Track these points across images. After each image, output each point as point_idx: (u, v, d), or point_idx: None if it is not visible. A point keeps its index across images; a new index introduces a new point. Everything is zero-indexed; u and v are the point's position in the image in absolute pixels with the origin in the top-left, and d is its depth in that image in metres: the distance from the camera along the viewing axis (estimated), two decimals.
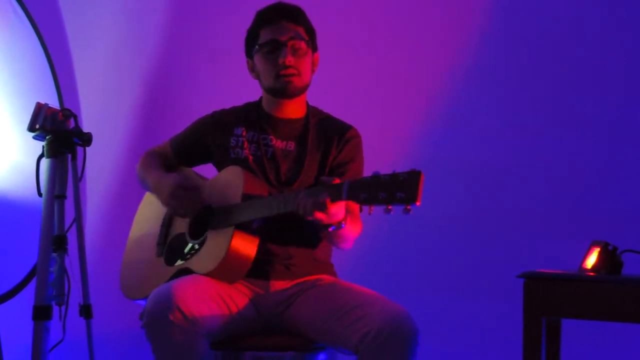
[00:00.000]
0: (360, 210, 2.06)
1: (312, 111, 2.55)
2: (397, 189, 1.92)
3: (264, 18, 2.47)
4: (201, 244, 2.37)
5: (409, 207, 1.90)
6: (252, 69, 2.53)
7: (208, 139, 2.55)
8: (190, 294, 2.17)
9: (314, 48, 2.51)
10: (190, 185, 2.45)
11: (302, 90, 2.48)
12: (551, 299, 2.11)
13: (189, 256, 2.39)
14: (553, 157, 3.76)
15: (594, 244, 2.25)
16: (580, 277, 2.14)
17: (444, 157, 3.90)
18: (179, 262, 2.40)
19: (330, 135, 2.49)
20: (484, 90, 3.90)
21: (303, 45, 2.44)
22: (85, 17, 4.28)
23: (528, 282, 2.12)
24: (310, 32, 2.50)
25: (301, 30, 2.46)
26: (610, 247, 2.21)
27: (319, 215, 2.08)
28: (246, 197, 2.31)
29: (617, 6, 3.73)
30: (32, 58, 3.73)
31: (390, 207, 1.93)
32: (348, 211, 2.19)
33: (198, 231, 2.43)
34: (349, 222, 2.22)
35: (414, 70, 4.00)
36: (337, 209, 2.10)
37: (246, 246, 2.30)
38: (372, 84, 4.05)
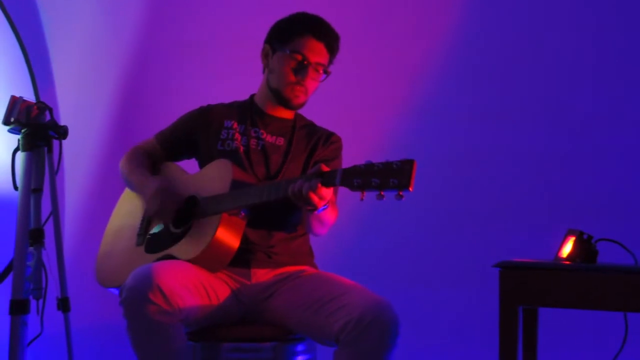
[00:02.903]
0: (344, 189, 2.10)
1: (298, 116, 2.61)
2: (391, 176, 1.97)
3: (307, 27, 2.49)
4: (185, 232, 2.37)
5: (401, 193, 1.96)
6: (267, 56, 2.55)
7: (197, 132, 2.57)
8: (171, 276, 2.17)
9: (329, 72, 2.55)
10: (172, 190, 2.46)
11: (303, 106, 2.54)
12: (527, 288, 2.12)
13: (171, 243, 2.38)
14: (528, 147, 3.78)
15: (570, 233, 2.27)
16: (556, 266, 2.16)
17: (419, 148, 3.91)
18: (161, 250, 2.39)
19: (316, 138, 2.56)
20: (459, 82, 3.91)
21: (322, 74, 2.51)
22: (62, 8, 4.25)
23: (503, 272, 2.13)
24: (333, 59, 2.55)
25: (329, 58, 2.52)
26: (585, 236, 2.23)
27: (313, 197, 2.12)
28: (235, 185, 2.33)
29: (592, 4, 3.76)
30: (6, 50, 3.70)
31: (382, 192, 1.98)
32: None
33: (182, 221, 2.42)
34: (329, 205, 2.26)
35: (389, 61, 4.01)
36: (327, 193, 2.14)
37: (231, 235, 2.31)
38: (348, 75, 4.04)
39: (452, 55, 3.91)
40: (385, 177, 1.98)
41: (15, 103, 2.76)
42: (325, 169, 2.14)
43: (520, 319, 2.16)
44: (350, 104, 3.95)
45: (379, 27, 4.01)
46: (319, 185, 2.11)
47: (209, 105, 2.63)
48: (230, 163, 2.40)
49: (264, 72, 2.58)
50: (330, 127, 2.66)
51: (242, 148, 2.49)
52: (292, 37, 2.48)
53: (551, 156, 3.73)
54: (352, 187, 2.03)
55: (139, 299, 2.12)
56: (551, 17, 3.79)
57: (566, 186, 3.69)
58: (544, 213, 3.68)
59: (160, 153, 2.64)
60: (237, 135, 2.52)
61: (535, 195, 3.73)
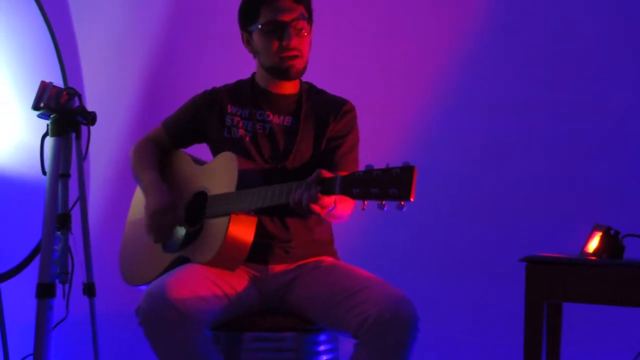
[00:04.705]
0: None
1: (305, 86, 2.51)
2: (390, 185, 1.88)
3: None
4: (198, 232, 2.35)
5: (402, 204, 1.87)
6: (248, 43, 2.46)
7: (202, 118, 2.51)
8: (184, 289, 2.15)
9: (312, 21, 2.44)
10: (166, 214, 2.41)
11: (304, 71, 2.43)
12: (553, 283, 2.12)
13: (186, 244, 2.37)
14: (555, 140, 3.77)
15: (596, 228, 2.26)
16: (582, 261, 2.15)
17: (444, 139, 3.92)
18: (177, 250, 2.39)
19: (326, 110, 2.45)
20: (485, 72, 3.90)
21: (305, 25, 2.39)
22: None
23: (530, 266, 2.13)
24: (310, 10, 2.43)
25: (302, 9, 2.39)
26: (612, 232, 2.22)
27: (314, 207, 2.05)
28: (241, 182, 2.29)
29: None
30: (36, 37, 3.73)
31: (383, 202, 1.89)
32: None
33: (194, 218, 2.40)
34: (339, 202, 2.16)
35: (415, 51, 4.00)
36: (330, 201, 2.06)
37: (242, 234, 2.27)
38: (373, 64, 4.04)
39: (478, 46, 3.89)
40: (385, 186, 1.88)
41: (45, 89, 2.78)
42: (326, 175, 2.04)
43: (544, 313, 2.16)
44: (374, 94, 3.94)
45: (404, 19, 4.01)
46: (319, 195, 2.02)
47: (212, 90, 2.55)
48: (235, 158, 2.33)
49: (254, 57, 2.49)
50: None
51: (248, 136, 2.43)
52: (257, 11, 2.38)
53: (578, 149, 3.71)
54: (352, 196, 1.95)
55: (156, 321, 2.11)
56: (583, 5, 3.76)
57: (593, 180, 3.67)
58: (570, 206, 3.66)
59: (168, 141, 2.60)
60: (241, 123, 2.45)
61: (562, 189, 3.72)
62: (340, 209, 2.20)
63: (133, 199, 2.69)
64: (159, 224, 2.41)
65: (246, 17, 2.44)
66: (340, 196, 2.11)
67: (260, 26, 2.37)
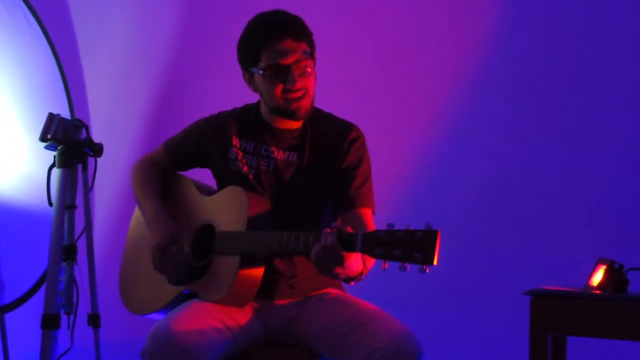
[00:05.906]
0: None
1: (311, 115, 2.40)
2: (414, 249, 1.87)
3: (264, 37, 2.27)
4: (206, 268, 2.32)
5: (424, 267, 1.87)
6: (250, 82, 2.38)
7: (205, 146, 2.46)
8: (188, 326, 2.14)
9: (315, 56, 2.36)
10: (175, 246, 2.35)
11: (311, 110, 2.36)
12: (558, 317, 2.12)
13: (192, 277, 2.34)
14: (560, 171, 3.77)
15: (600, 261, 2.27)
16: (587, 295, 2.16)
17: (449, 171, 3.92)
18: (182, 283, 2.36)
19: (332, 142, 2.38)
20: (490, 105, 3.92)
21: (309, 62, 2.30)
22: (96, 28, 4.31)
23: (535, 300, 2.13)
24: (312, 43, 2.34)
25: (304, 46, 2.29)
26: (616, 265, 2.22)
27: (337, 269, 2.04)
28: (251, 223, 2.25)
29: (628, 19, 3.75)
30: (44, 68, 3.76)
31: (405, 264, 1.89)
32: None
33: (201, 251, 2.36)
34: (368, 266, 2.17)
35: (419, 84, 4.02)
36: (353, 261, 2.04)
37: (252, 275, 2.25)
38: (379, 97, 4.06)
39: (482, 77, 3.91)
40: (408, 249, 1.87)
41: (52, 120, 2.81)
42: (348, 230, 2.00)
43: (549, 348, 2.16)
44: (380, 124, 3.95)
45: (409, 49, 4.03)
46: (344, 253, 1.99)
47: (219, 115, 2.48)
48: (244, 193, 2.28)
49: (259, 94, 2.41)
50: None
51: (251, 173, 2.37)
52: (258, 54, 2.27)
53: (583, 182, 3.71)
54: (374, 255, 1.93)
55: None
56: (588, 39, 3.78)
57: (598, 213, 3.67)
58: (574, 238, 3.66)
59: (168, 162, 2.55)
60: (245, 158, 2.39)
61: (566, 220, 3.72)
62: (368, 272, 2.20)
63: (131, 221, 2.62)
64: (162, 257, 2.35)
65: (246, 59, 2.35)
66: (366, 261, 2.13)
67: (262, 71, 2.29)
